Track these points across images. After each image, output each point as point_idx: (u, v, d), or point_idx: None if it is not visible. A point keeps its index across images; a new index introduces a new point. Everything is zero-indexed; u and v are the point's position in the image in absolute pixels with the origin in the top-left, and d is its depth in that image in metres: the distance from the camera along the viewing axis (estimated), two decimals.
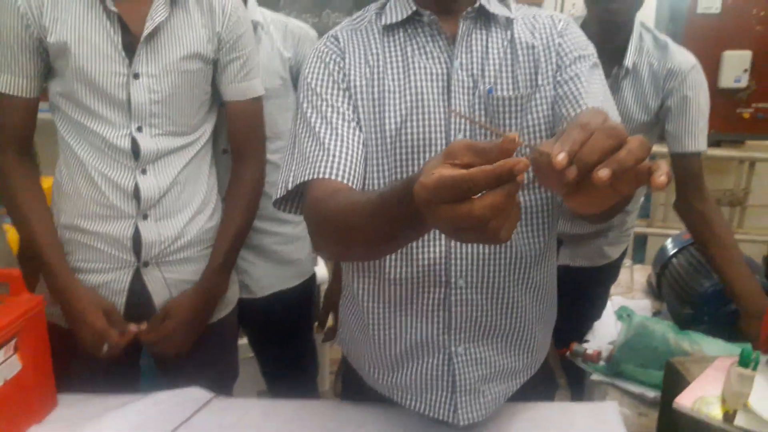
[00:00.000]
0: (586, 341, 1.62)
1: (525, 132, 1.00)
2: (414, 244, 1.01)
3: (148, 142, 1.29)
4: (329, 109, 1.00)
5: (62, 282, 1.29)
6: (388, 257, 1.02)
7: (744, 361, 0.93)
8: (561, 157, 0.56)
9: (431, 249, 1.00)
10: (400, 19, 1.03)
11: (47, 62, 1.27)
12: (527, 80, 1.00)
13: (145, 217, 1.32)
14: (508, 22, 1.04)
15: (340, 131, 0.98)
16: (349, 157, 0.96)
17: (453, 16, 1.02)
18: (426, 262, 1.01)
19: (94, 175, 1.29)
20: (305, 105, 1.02)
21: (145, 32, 1.25)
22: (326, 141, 0.97)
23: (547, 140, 0.70)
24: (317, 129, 0.99)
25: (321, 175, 0.94)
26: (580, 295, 1.77)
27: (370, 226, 0.79)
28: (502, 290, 1.03)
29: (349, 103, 1.01)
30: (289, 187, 0.98)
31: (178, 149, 1.34)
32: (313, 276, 1.85)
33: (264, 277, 1.69)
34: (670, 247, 1.93)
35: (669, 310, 1.82)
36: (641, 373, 1.43)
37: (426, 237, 1.00)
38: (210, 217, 1.42)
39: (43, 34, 1.24)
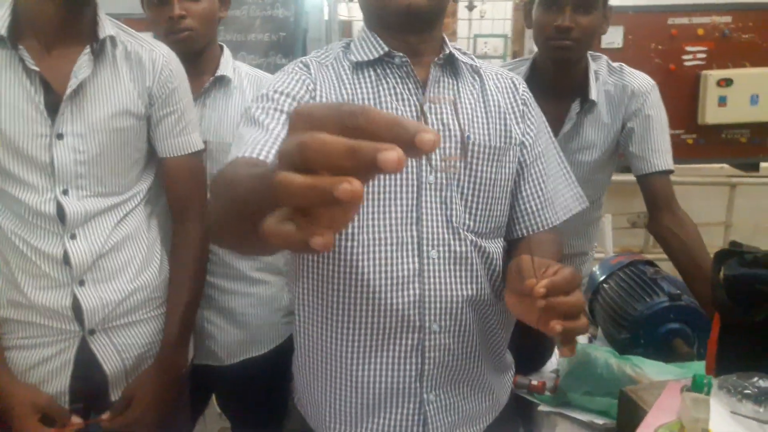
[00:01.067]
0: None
1: (497, 184, 1.02)
2: (385, 287, 0.97)
3: (74, 206, 1.20)
4: (279, 112, 0.96)
5: None
6: (358, 300, 0.98)
7: (697, 386, 0.94)
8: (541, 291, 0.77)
9: (405, 293, 0.98)
10: (371, 58, 1.02)
11: None
12: (499, 134, 1.02)
13: (81, 283, 1.23)
14: (476, 72, 1.06)
15: (283, 121, 0.94)
16: None
17: (423, 62, 1.02)
18: (399, 306, 0.98)
19: (20, 245, 1.20)
20: (254, 108, 0.97)
21: (69, 90, 1.18)
22: (270, 126, 0.92)
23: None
24: (262, 120, 0.94)
25: (255, 154, 0.86)
26: (530, 343, 1.73)
27: (240, 194, 0.66)
28: (474, 334, 1.02)
29: None
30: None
31: (110, 209, 1.26)
32: (290, 338, 1.74)
33: (233, 344, 1.57)
34: (599, 273, 1.98)
35: (604, 335, 1.85)
36: (588, 400, 1.44)
37: (400, 280, 0.98)
38: (158, 272, 1.34)
39: None
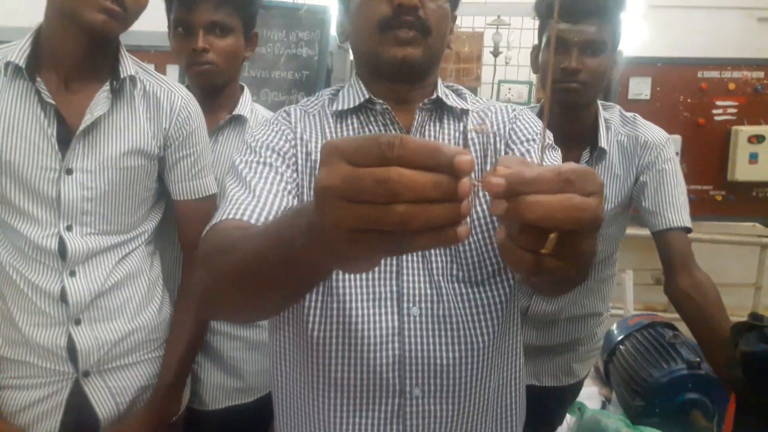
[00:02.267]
0: None
1: (476, 219, 0.95)
2: (362, 345, 0.92)
3: (77, 242, 1.18)
4: (262, 165, 0.94)
5: None
6: (335, 358, 0.93)
7: None
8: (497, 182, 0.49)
9: (384, 353, 0.92)
10: (352, 105, 1.00)
11: None
12: (477, 169, 0.96)
13: (77, 322, 1.19)
14: (463, 114, 1.02)
15: (270, 180, 0.91)
16: (275, 204, 0.88)
17: (409, 107, 1.00)
18: (378, 368, 0.92)
19: (17, 279, 1.18)
20: (238, 159, 0.96)
21: (82, 126, 1.16)
22: (255, 187, 0.90)
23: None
24: (247, 177, 0.91)
25: (243, 216, 0.84)
26: (540, 415, 1.59)
27: (259, 249, 0.65)
28: (464, 398, 0.94)
29: (287, 167, 0.95)
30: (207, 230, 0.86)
31: (113, 247, 1.23)
32: None
33: (218, 389, 1.51)
34: (617, 333, 1.90)
35: (618, 400, 1.76)
36: None
37: (378, 339, 0.92)
38: (157, 312, 1.30)
39: None
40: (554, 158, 0.98)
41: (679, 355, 1.58)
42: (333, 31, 2.69)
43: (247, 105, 1.56)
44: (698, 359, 1.53)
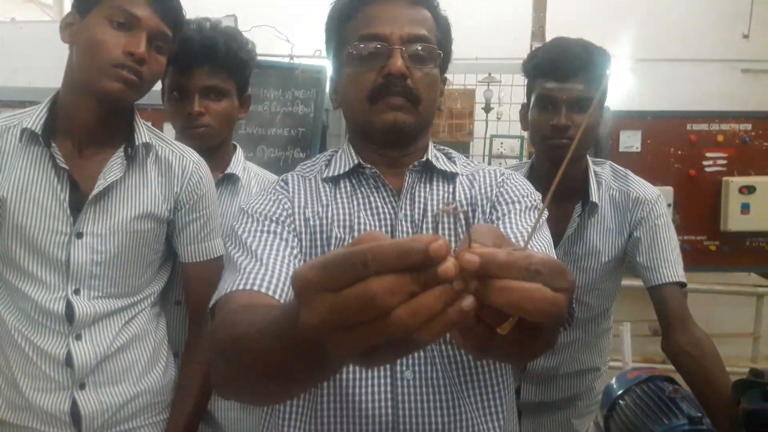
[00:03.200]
0: None
1: None
2: (355, 410, 0.91)
3: (84, 306, 1.18)
4: (265, 234, 0.95)
5: None
6: (327, 421, 0.92)
7: None
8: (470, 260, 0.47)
9: (375, 417, 0.91)
10: (343, 171, 1.03)
11: None
12: (465, 232, 0.97)
13: (82, 386, 1.19)
14: (452, 178, 1.04)
15: (275, 247, 0.92)
16: (284, 271, 0.89)
17: (399, 170, 1.02)
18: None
19: (22, 343, 1.17)
20: (239, 228, 0.97)
21: (95, 191, 1.18)
22: (262, 255, 0.90)
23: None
24: (252, 246, 0.92)
25: (254, 287, 0.84)
26: None
27: (268, 348, 0.64)
28: None
29: (288, 233, 0.96)
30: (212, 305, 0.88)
31: (120, 310, 1.23)
32: None
33: None
34: (616, 387, 1.87)
35: None
36: None
37: (371, 404, 0.91)
38: (162, 375, 1.30)
39: None
40: (531, 217, 0.99)
41: (680, 410, 1.56)
42: (328, 89, 2.75)
43: (239, 163, 1.60)
44: (699, 414, 1.50)
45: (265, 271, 0.87)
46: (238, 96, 1.56)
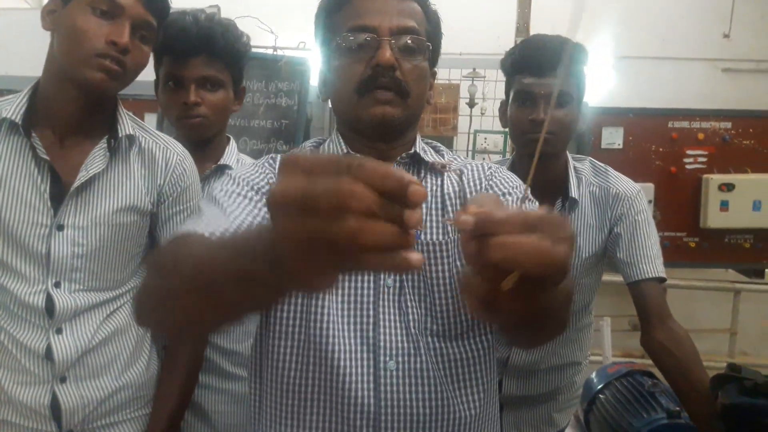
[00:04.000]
0: None
1: (452, 275, 0.95)
2: (338, 398, 0.91)
3: (65, 299, 1.16)
4: (240, 197, 0.94)
5: None
6: (310, 410, 0.92)
7: None
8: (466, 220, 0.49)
9: (359, 408, 0.91)
10: None
11: None
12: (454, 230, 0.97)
13: (63, 380, 1.17)
14: (440, 171, 1.04)
15: (243, 207, 0.91)
16: (244, 226, 0.87)
17: (387, 162, 1.00)
18: (352, 421, 0.91)
19: (1, 336, 1.16)
20: (217, 187, 0.97)
21: (77, 183, 1.16)
22: (227, 209, 0.90)
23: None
24: (222, 202, 0.92)
25: (209, 230, 0.82)
26: None
27: (215, 259, 0.63)
28: None
29: (263, 204, 0.95)
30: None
31: (101, 304, 1.21)
32: None
33: None
34: (596, 382, 1.89)
35: None
36: None
37: (353, 393, 0.91)
38: (145, 369, 1.28)
39: None
40: (530, 209, 1.00)
41: (659, 405, 1.58)
42: (312, 81, 2.74)
43: (233, 155, 1.59)
44: (678, 408, 1.52)
45: (224, 221, 0.86)
46: (233, 88, 1.55)
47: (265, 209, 0.95)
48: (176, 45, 1.43)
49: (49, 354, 1.15)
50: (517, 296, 0.50)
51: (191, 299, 0.67)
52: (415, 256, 0.47)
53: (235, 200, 0.93)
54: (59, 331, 1.17)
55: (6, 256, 1.15)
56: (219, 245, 0.66)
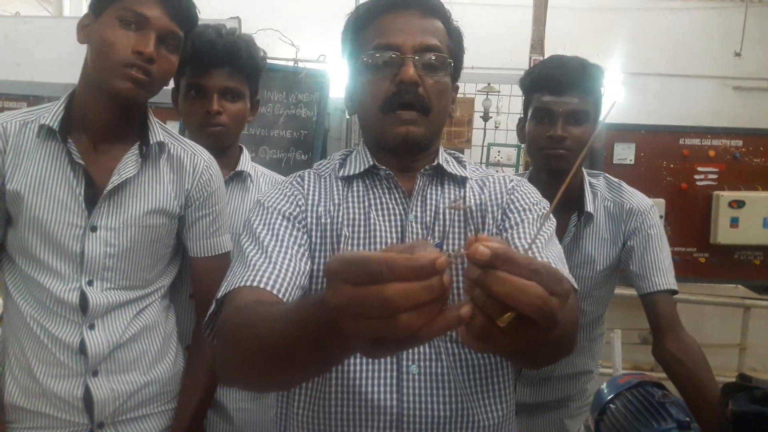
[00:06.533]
0: None
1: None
2: (361, 401, 0.95)
3: (98, 297, 1.22)
4: (277, 227, 0.99)
5: None
6: (333, 415, 0.96)
7: None
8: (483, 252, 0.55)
9: (380, 409, 0.95)
10: (358, 171, 1.06)
11: (4, 209, 1.23)
12: (472, 231, 1.02)
13: (95, 373, 1.23)
14: (462, 181, 1.07)
15: (285, 244, 0.96)
16: (291, 271, 0.93)
17: (411, 174, 1.06)
18: (374, 425, 0.95)
19: (37, 331, 1.21)
20: (254, 219, 1.02)
21: (109, 186, 1.22)
22: (272, 253, 0.94)
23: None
24: (263, 240, 0.96)
25: (261, 285, 0.89)
26: None
27: (285, 335, 0.71)
28: None
29: (298, 230, 1.00)
30: (221, 295, 0.92)
31: (131, 302, 1.28)
32: None
33: None
34: (607, 392, 1.92)
35: None
36: None
37: (376, 395, 0.95)
38: (171, 365, 1.34)
39: (2, 179, 1.21)
40: (548, 227, 1.03)
41: (669, 415, 1.60)
42: (331, 93, 2.79)
43: (247, 163, 1.66)
44: (688, 419, 1.55)
45: (272, 270, 0.91)
46: (249, 99, 1.61)
47: (303, 236, 1.00)
48: (202, 56, 1.49)
49: (82, 348, 1.21)
50: (510, 334, 0.55)
51: (263, 370, 0.78)
52: (464, 310, 0.54)
53: (275, 237, 0.97)
54: (92, 326, 1.22)
55: (42, 255, 1.21)
56: (283, 320, 0.73)
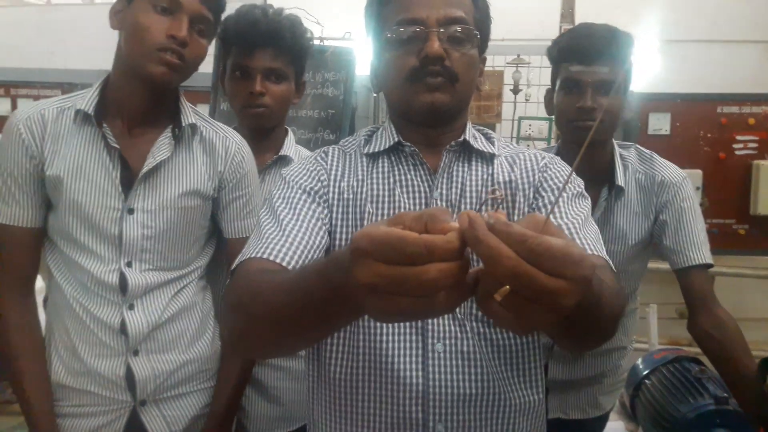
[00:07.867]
0: None
1: None
2: (387, 379, 0.95)
3: (136, 278, 1.25)
4: (296, 201, 1.00)
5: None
6: (360, 392, 0.96)
7: None
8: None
9: (408, 387, 0.95)
10: (383, 148, 1.05)
11: (45, 194, 1.26)
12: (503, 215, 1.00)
13: (136, 353, 1.26)
14: (490, 158, 1.05)
15: (302, 218, 0.97)
16: (303, 243, 0.93)
17: (437, 149, 1.04)
18: (401, 402, 0.95)
19: (80, 312, 1.25)
20: (275, 193, 1.02)
21: (144, 169, 1.24)
22: (286, 226, 0.95)
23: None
24: (280, 213, 0.97)
25: (270, 257, 0.90)
26: None
27: (289, 303, 0.73)
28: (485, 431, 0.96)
29: (318, 205, 1.01)
30: (234, 266, 0.94)
31: (169, 282, 1.30)
32: None
33: (263, 419, 1.57)
34: (642, 368, 1.90)
35: None
36: None
37: (402, 373, 0.95)
38: (209, 345, 1.37)
39: (43, 165, 1.24)
40: (584, 206, 1.01)
41: (707, 391, 1.58)
42: (358, 71, 2.77)
43: (291, 146, 1.64)
44: (725, 395, 1.53)
45: (284, 243, 0.92)
46: (295, 81, 1.61)
47: (323, 212, 1.00)
48: (246, 37, 1.49)
49: (123, 328, 1.24)
50: (507, 306, 0.54)
51: (270, 335, 0.80)
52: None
53: (292, 211, 0.98)
54: (132, 307, 1.25)
55: (82, 238, 1.24)
56: (291, 286, 0.74)
